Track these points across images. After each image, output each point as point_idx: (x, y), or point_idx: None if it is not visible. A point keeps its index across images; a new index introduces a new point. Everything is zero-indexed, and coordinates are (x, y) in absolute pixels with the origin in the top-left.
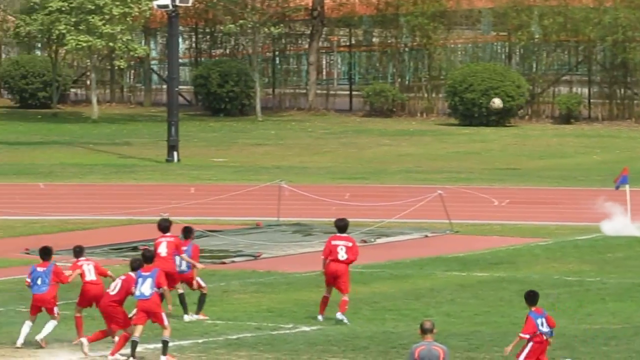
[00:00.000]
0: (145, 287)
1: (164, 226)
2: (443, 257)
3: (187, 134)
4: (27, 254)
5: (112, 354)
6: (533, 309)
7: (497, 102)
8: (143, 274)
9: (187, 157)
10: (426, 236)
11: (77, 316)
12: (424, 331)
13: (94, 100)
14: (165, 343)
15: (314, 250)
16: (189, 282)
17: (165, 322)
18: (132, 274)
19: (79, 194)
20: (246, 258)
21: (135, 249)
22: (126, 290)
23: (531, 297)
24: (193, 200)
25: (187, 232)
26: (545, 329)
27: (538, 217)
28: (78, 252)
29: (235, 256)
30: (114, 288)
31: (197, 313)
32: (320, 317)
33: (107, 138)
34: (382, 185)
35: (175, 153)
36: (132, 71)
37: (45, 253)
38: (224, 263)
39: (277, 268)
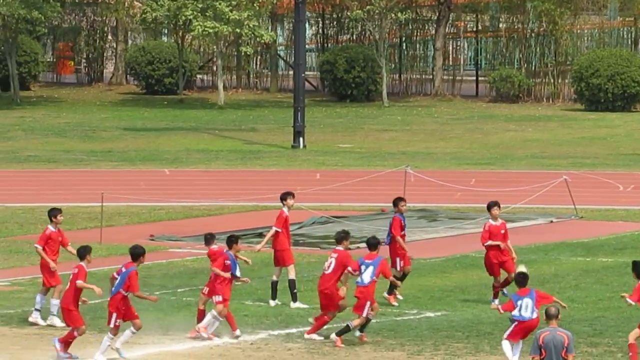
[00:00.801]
0: (367, 275)
1: (280, 197)
2: (568, 243)
3: (313, 119)
4: (152, 240)
5: (309, 333)
6: (518, 291)
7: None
8: (366, 261)
9: (313, 142)
10: (551, 221)
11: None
12: (549, 317)
13: (220, 86)
14: (346, 328)
15: (439, 236)
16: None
17: (364, 313)
18: (340, 247)
19: (205, 180)
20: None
21: (260, 235)
22: (343, 265)
23: (519, 280)
24: (318, 186)
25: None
26: (526, 313)
27: None
28: (209, 239)
29: (360, 242)
30: (329, 267)
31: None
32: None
33: (233, 124)
34: (507, 170)
35: (301, 139)
36: (259, 57)
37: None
38: (349, 249)
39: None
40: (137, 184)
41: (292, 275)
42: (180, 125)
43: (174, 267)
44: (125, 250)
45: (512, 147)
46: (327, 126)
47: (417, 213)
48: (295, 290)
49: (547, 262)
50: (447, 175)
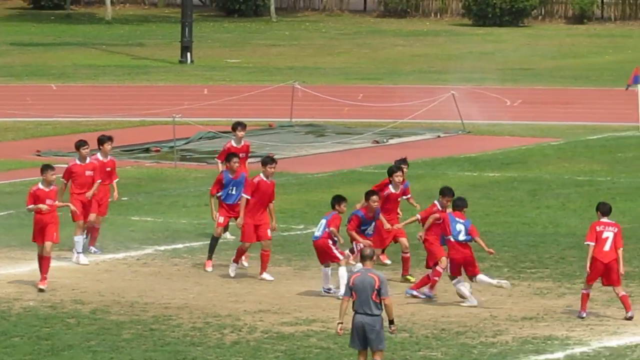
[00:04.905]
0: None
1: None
2: (455, 158)
3: (200, 34)
4: (39, 155)
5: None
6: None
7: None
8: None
9: (201, 58)
10: (439, 136)
11: None
12: (363, 258)
13: (108, 0)
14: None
15: (327, 151)
16: None
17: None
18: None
19: (92, 95)
20: (259, 159)
21: (147, 150)
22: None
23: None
24: (206, 102)
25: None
26: (317, 233)
27: (550, 117)
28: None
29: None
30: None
31: None
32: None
33: (120, 39)
34: (395, 85)
35: (188, 54)
36: None
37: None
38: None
39: (289, 169)
40: (24, 99)
41: None
42: (68, 40)
43: (60, 182)
44: (11, 165)
45: (400, 62)
46: (214, 41)
47: (305, 128)
48: None
49: (434, 176)
50: (335, 90)
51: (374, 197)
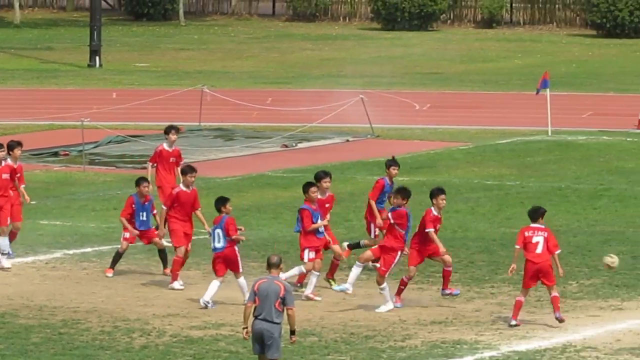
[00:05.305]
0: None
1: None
2: (364, 162)
3: (109, 38)
4: None
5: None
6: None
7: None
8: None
9: (110, 62)
10: (347, 140)
11: None
12: (270, 266)
13: (16, 4)
14: None
15: (235, 156)
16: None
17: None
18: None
19: (0, 99)
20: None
21: (56, 154)
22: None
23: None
24: (115, 106)
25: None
26: (218, 244)
27: (459, 122)
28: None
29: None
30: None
31: None
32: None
33: (29, 43)
34: (304, 89)
35: (97, 58)
36: None
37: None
38: (144, 168)
39: (197, 173)
40: None
41: None
42: None
43: None
44: None
45: (308, 66)
46: (123, 45)
47: (214, 132)
48: None
49: (344, 181)
50: (243, 94)
51: (312, 189)
